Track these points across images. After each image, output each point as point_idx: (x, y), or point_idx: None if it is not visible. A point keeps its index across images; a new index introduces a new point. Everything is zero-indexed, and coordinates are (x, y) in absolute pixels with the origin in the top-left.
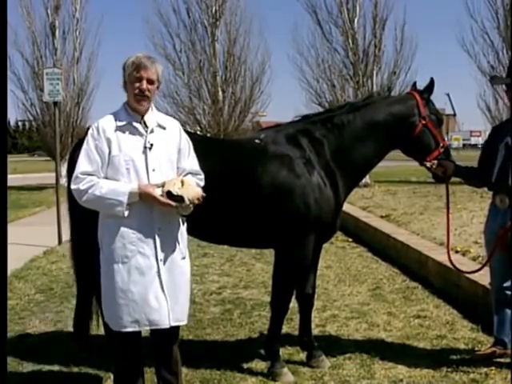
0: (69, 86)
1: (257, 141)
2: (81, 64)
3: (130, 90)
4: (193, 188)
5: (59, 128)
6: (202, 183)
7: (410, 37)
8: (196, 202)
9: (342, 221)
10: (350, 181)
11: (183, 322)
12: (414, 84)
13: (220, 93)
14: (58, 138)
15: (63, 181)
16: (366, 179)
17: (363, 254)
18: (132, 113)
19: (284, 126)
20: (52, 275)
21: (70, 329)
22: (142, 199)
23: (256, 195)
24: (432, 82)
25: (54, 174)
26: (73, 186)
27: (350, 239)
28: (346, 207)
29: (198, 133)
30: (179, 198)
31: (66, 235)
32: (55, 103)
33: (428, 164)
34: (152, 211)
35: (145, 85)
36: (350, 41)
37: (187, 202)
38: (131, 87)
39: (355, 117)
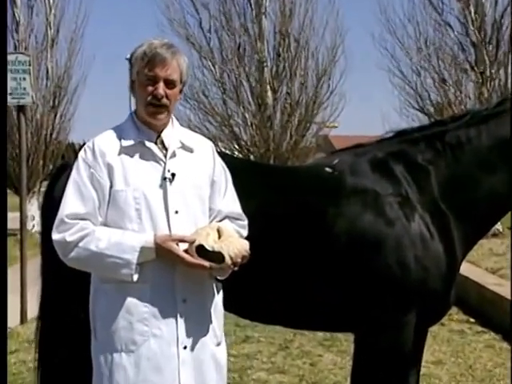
0: (40, 81)
1: (327, 169)
2: (58, 48)
3: (141, 95)
4: (235, 240)
5: (26, 145)
6: (245, 232)
7: None
8: (239, 260)
9: (459, 290)
10: (470, 230)
11: None
12: None
13: (269, 93)
14: (25, 159)
15: (31, 225)
16: (497, 226)
17: (494, 343)
18: (143, 128)
19: (368, 146)
20: (10, 373)
21: None
22: (160, 256)
23: (326, 250)
24: None
25: (17, 215)
26: (56, 236)
27: (472, 319)
28: (466, 269)
29: (237, 154)
30: (216, 256)
31: (34, 310)
32: (20, 107)
33: None
34: (174, 274)
35: (161, 88)
36: (472, 9)
37: (228, 262)
38: (142, 91)
39: (480, 132)
